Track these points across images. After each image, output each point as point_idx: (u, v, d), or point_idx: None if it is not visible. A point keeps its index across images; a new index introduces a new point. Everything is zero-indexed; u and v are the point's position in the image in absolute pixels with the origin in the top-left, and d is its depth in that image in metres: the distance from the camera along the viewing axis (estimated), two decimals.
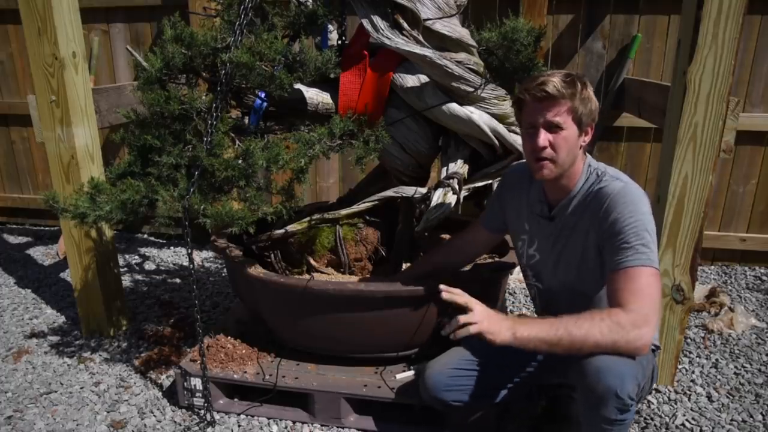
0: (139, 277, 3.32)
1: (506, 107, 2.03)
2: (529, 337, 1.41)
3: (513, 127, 2.06)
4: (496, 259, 2.22)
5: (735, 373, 2.30)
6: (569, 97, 1.46)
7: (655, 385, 2.18)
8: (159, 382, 2.26)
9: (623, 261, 1.41)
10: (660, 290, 1.42)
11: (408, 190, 2.10)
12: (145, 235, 4.04)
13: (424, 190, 2.08)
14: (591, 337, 1.36)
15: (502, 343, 1.43)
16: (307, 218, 2.16)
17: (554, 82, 1.45)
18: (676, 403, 2.10)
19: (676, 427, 1.98)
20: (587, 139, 1.55)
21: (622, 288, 1.39)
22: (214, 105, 1.80)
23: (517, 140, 2.02)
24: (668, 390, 2.17)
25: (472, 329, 1.45)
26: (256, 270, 1.99)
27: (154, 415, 2.06)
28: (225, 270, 3.40)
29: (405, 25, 1.89)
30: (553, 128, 1.48)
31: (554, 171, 1.53)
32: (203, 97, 1.86)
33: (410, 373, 2.00)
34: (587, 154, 1.61)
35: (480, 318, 1.47)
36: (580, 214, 1.56)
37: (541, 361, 1.74)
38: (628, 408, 1.39)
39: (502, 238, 1.99)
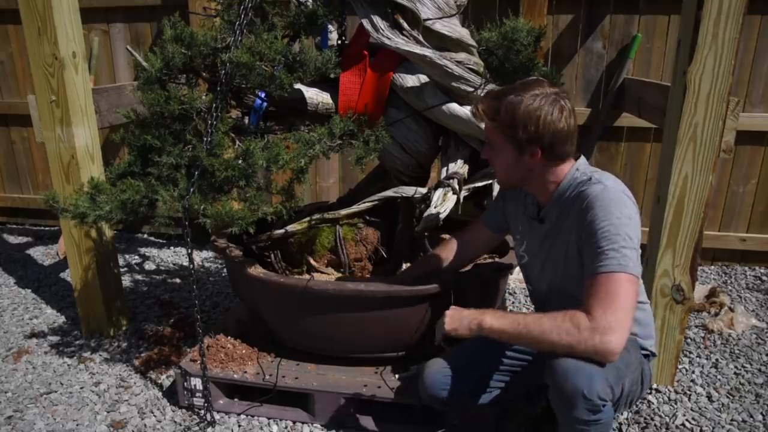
0: (139, 277, 3.32)
1: None
2: (492, 328, 1.48)
3: None
4: (496, 259, 2.22)
5: (735, 373, 2.30)
6: (493, 122, 1.52)
7: (654, 386, 2.18)
8: (159, 382, 2.26)
9: (595, 267, 1.39)
10: (634, 295, 1.38)
11: (408, 190, 2.10)
12: (145, 235, 4.04)
13: (424, 190, 2.08)
14: (547, 338, 1.38)
15: (468, 336, 1.54)
16: (307, 218, 2.16)
17: (480, 106, 1.54)
18: (676, 403, 2.10)
19: (676, 427, 1.98)
20: (533, 160, 1.51)
21: (590, 294, 1.37)
22: (214, 105, 1.80)
23: None
24: (668, 390, 2.17)
25: (438, 338, 1.63)
26: (256, 270, 1.99)
27: (154, 415, 2.06)
28: (225, 270, 3.40)
29: (405, 25, 1.89)
30: (488, 145, 1.59)
31: (502, 182, 1.65)
32: (203, 97, 1.86)
33: (410, 373, 2.00)
34: (578, 158, 1.58)
35: (442, 324, 1.59)
36: (564, 216, 1.56)
37: (537, 360, 1.74)
38: (600, 408, 1.38)
39: (502, 238, 1.99)
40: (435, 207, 1.99)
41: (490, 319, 1.48)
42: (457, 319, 1.55)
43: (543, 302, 1.73)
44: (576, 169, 1.56)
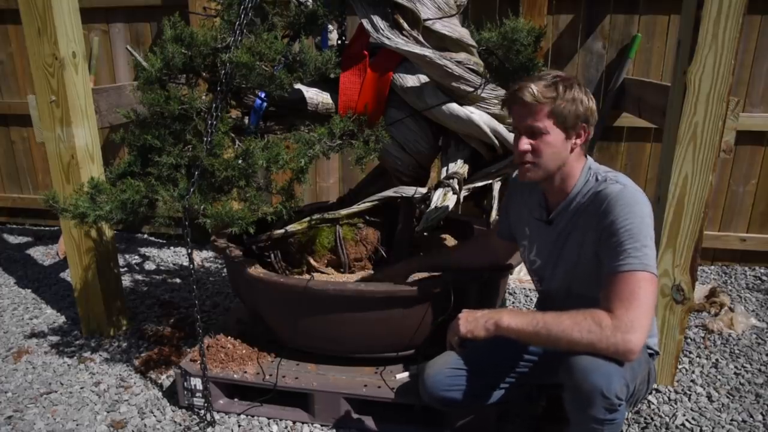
0: (139, 277, 3.32)
1: None
2: (509, 327, 1.45)
3: None
4: None
5: (735, 373, 2.30)
6: (548, 102, 1.46)
7: (654, 386, 2.18)
8: (159, 382, 2.26)
9: (616, 265, 1.39)
10: (654, 295, 1.39)
11: (408, 190, 2.10)
12: (145, 235, 4.04)
13: (424, 190, 2.08)
14: (568, 335, 1.36)
15: (485, 337, 1.50)
16: (307, 218, 2.16)
17: (530, 88, 1.46)
18: (676, 403, 2.10)
19: (676, 427, 1.98)
20: (579, 141, 1.53)
21: (611, 293, 1.38)
22: (214, 105, 1.80)
23: None
24: (668, 390, 2.17)
25: (453, 341, 1.58)
26: (256, 270, 1.99)
27: (154, 415, 2.06)
28: (225, 270, 3.40)
29: (405, 25, 1.89)
30: (535, 133, 1.50)
31: (537, 174, 1.54)
32: (203, 97, 1.86)
33: (410, 373, 2.00)
34: (588, 156, 1.60)
35: (457, 326, 1.55)
36: (577, 217, 1.55)
37: (538, 360, 1.74)
38: (616, 408, 1.38)
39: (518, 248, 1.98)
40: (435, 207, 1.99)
41: (508, 318, 1.46)
42: (472, 320, 1.52)
43: (552, 303, 1.72)
44: (588, 168, 1.57)
